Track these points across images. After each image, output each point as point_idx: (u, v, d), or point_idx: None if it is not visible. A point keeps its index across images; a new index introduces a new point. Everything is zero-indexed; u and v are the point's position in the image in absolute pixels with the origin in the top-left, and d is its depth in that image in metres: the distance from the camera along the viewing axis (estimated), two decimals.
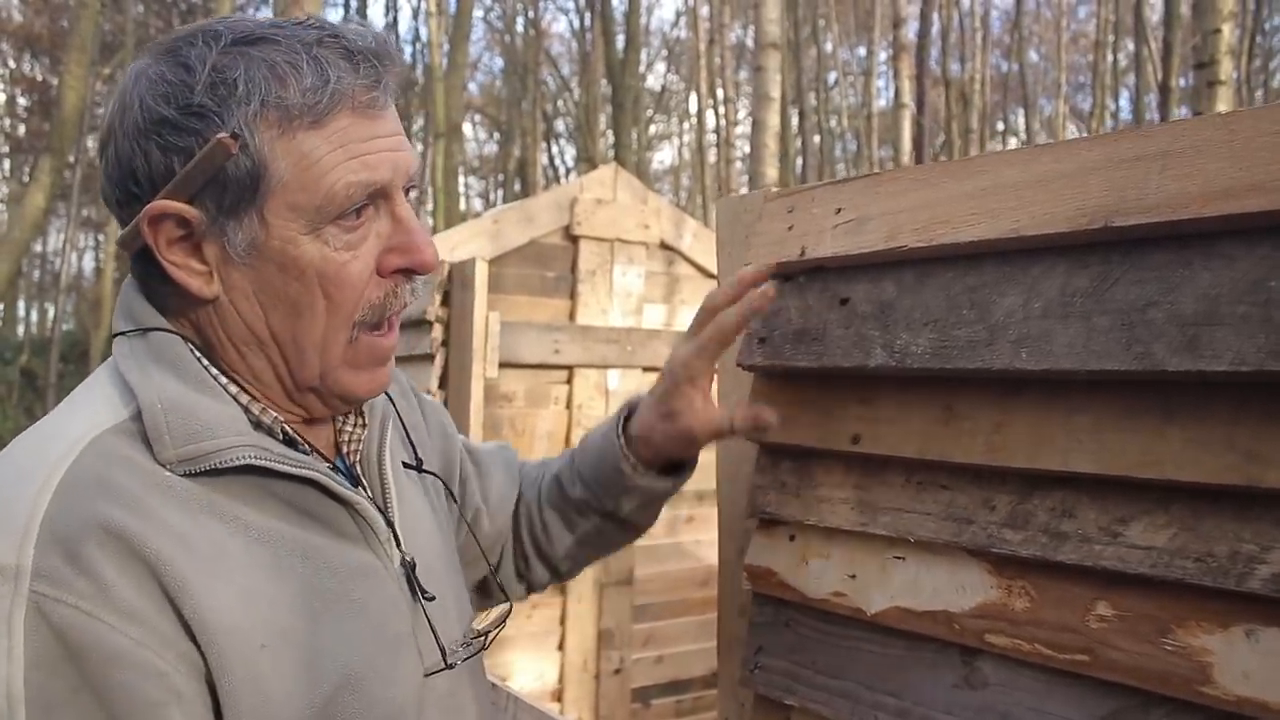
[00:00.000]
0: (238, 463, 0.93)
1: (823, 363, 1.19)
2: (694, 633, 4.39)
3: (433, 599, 1.08)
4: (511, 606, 1.25)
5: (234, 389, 1.00)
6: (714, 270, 4.49)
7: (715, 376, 1.33)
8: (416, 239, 1.01)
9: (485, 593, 1.43)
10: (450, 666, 1.06)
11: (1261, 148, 0.87)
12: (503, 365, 3.57)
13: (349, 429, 1.13)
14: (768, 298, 1.20)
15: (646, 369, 4.23)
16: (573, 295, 4.13)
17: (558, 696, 3.99)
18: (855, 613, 1.15)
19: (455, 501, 1.32)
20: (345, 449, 1.12)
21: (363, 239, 0.99)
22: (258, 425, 1.00)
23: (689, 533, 4.38)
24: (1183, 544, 0.89)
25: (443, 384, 3.39)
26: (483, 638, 1.16)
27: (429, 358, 3.42)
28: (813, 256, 1.23)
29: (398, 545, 1.07)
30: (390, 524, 1.07)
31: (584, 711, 4.03)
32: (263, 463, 0.94)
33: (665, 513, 4.51)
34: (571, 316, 4.12)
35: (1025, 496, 1.01)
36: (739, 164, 20.93)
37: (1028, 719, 0.98)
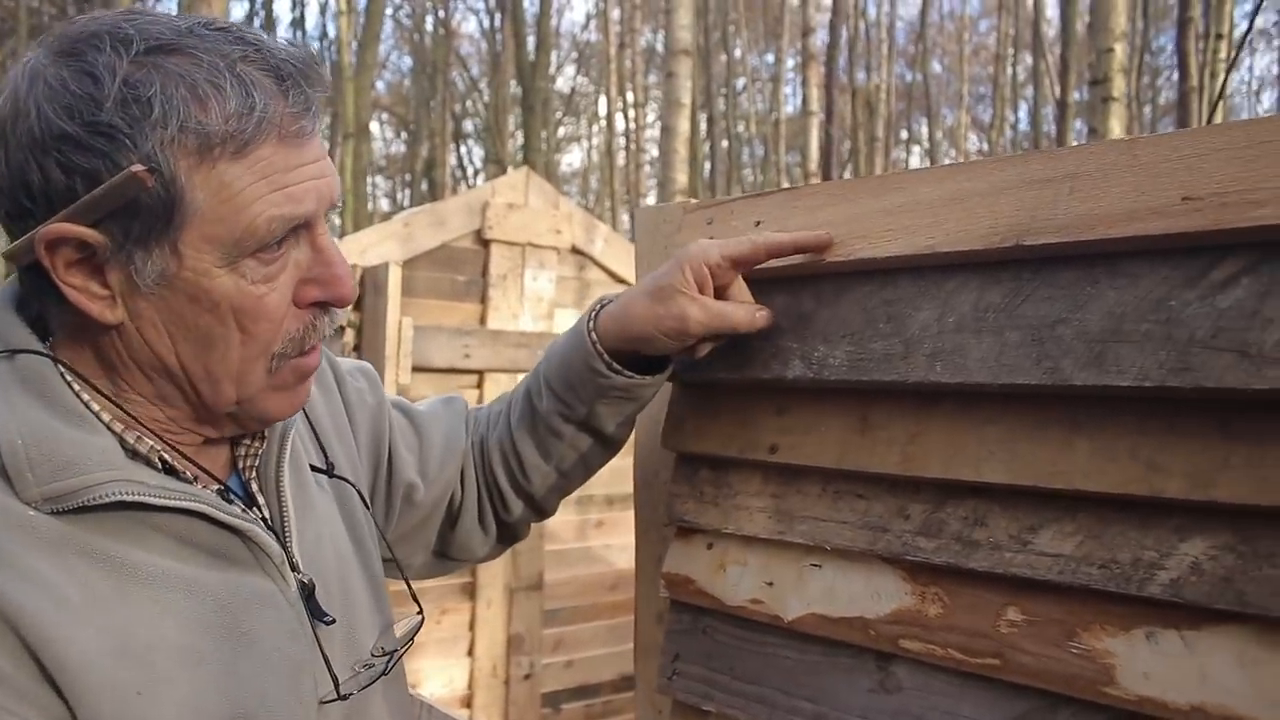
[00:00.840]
0: (109, 499, 0.87)
1: (742, 374, 1.21)
2: (604, 637, 4.41)
3: (332, 622, 1.03)
4: (421, 623, 1.17)
5: (108, 416, 0.93)
6: (626, 276, 4.51)
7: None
8: (337, 271, 0.96)
9: (453, 545, 1.37)
10: (343, 698, 1.01)
11: (1162, 173, 0.91)
12: (413, 369, 3.54)
13: (245, 443, 1.06)
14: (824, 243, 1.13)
15: None
16: (484, 299, 4.12)
17: (467, 702, 3.97)
18: (772, 619, 1.17)
19: (369, 508, 1.23)
20: (241, 464, 1.05)
21: (281, 269, 0.93)
22: (134, 455, 0.93)
23: (599, 537, 4.39)
24: (1088, 551, 0.93)
25: None
26: (388, 656, 1.10)
27: None
28: None
29: (295, 568, 1.02)
30: (285, 546, 1.02)
31: (494, 717, 4.01)
32: (136, 498, 0.88)
33: (574, 516, 4.50)
34: (482, 321, 4.10)
35: (939, 505, 1.04)
36: (648, 168, 21.01)
37: None
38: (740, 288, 1.18)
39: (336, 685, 1.01)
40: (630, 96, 24.42)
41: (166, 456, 0.95)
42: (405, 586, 1.23)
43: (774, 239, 1.15)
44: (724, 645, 1.23)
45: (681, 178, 8.92)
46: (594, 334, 1.22)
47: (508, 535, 1.43)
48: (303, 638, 0.99)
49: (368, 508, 1.21)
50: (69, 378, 0.92)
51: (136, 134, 0.84)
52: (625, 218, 21.63)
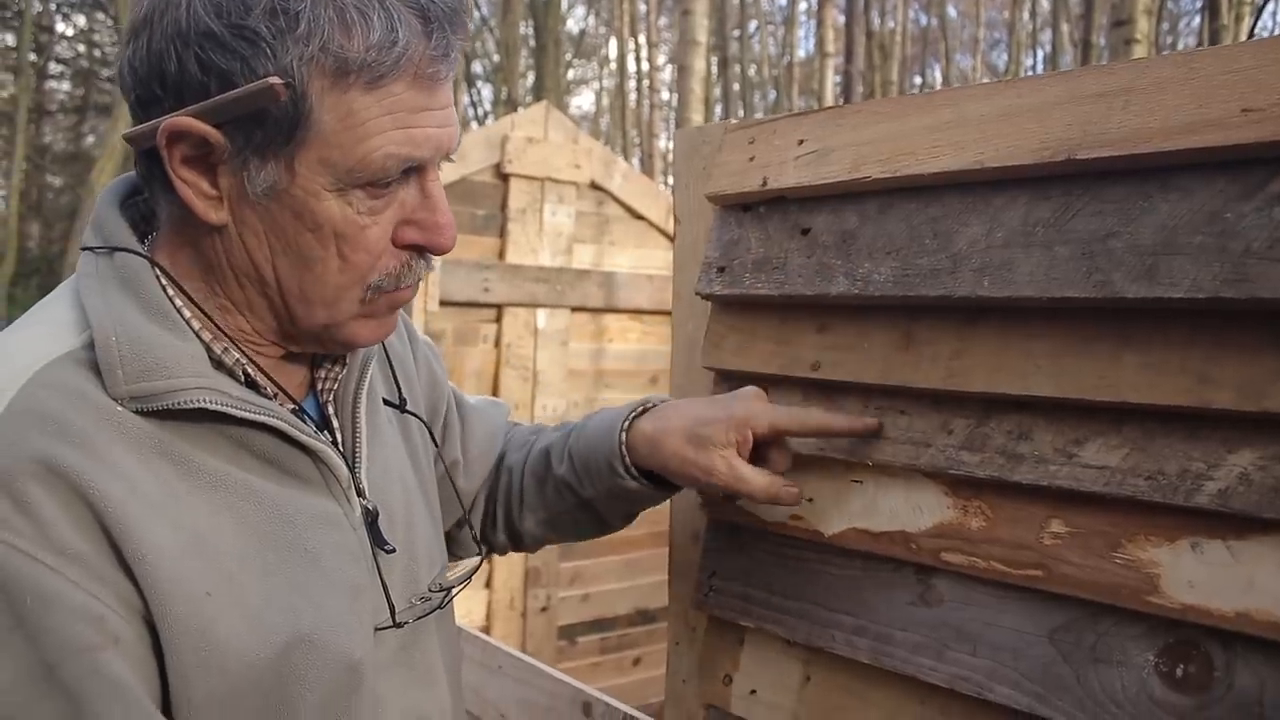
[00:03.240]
0: (192, 405, 0.89)
1: (784, 290, 1.21)
2: (619, 572, 4.45)
3: (392, 551, 1.04)
4: (482, 562, 1.20)
5: (197, 324, 0.94)
6: (643, 212, 4.51)
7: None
8: (440, 219, 0.96)
9: (454, 542, 1.38)
10: (398, 625, 1.03)
11: (1221, 85, 0.90)
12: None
13: (326, 366, 1.07)
14: (872, 430, 1.14)
15: (575, 309, 4.23)
16: (502, 234, 4.11)
17: (485, 634, 4.02)
18: (812, 535, 1.18)
19: (436, 445, 1.25)
20: (320, 387, 1.07)
21: (386, 206, 0.93)
22: (219, 365, 0.95)
23: None
24: (1135, 463, 0.94)
25: None
26: (445, 593, 1.11)
27: None
28: (774, 187, 1.25)
29: (360, 494, 1.03)
30: (354, 471, 1.03)
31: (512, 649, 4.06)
32: (219, 408, 0.90)
33: None
34: (501, 255, 4.10)
35: (983, 420, 1.05)
36: (662, 109, 20.86)
37: (982, 633, 1.03)
38: (780, 452, 1.19)
39: (393, 613, 1.02)
40: (642, 38, 24.18)
41: (249, 370, 0.97)
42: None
43: (826, 420, 1.15)
44: (762, 562, 1.25)
45: (697, 117, 8.86)
46: (625, 441, 1.23)
47: (487, 545, 1.43)
48: (363, 561, 1.01)
49: (436, 445, 1.24)
50: (164, 281, 0.94)
51: (278, 45, 0.85)
52: (636, 162, 21.51)
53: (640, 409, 1.25)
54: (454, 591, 1.13)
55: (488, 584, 4.06)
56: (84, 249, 0.96)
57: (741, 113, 24.63)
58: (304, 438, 0.96)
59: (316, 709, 0.93)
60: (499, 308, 4.02)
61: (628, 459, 1.22)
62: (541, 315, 4.13)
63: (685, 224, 1.46)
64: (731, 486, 1.15)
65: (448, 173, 3.89)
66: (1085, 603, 0.97)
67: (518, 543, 1.41)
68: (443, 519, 1.27)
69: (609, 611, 4.44)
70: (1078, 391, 0.97)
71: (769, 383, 1.25)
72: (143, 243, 0.97)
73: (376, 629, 1.01)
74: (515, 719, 1.78)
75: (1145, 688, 0.93)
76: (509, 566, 4.08)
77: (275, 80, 0.84)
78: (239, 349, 0.97)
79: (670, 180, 4.69)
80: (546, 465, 1.33)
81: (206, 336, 0.95)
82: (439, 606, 1.10)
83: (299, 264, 0.93)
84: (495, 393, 4.00)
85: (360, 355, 1.08)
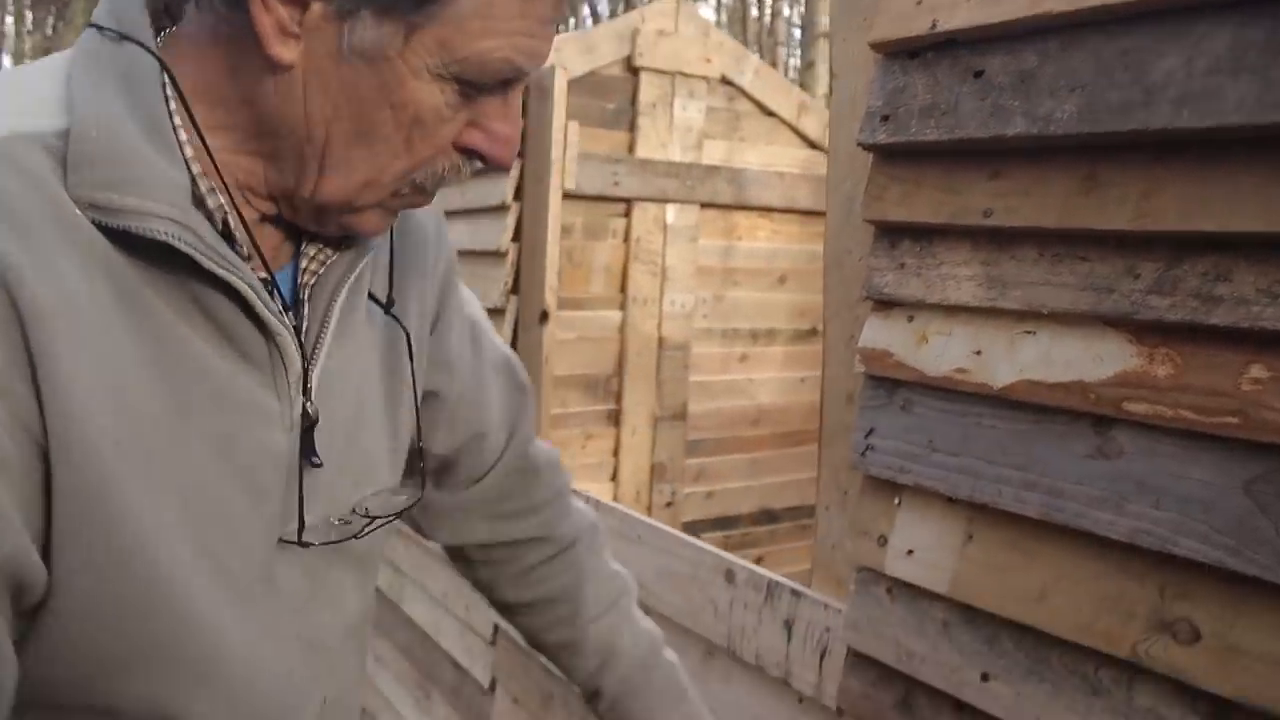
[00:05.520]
0: (156, 238, 0.76)
1: (954, 135, 1.15)
2: (744, 470, 4.44)
3: (319, 465, 0.92)
4: (414, 503, 1.06)
5: (190, 150, 0.82)
6: (774, 108, 4.41)
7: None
8: (509, 132, 0.88)
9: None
10: (303, 545, 0.91)
11: None
12: (564, 196, 3.53)
13: (319, 244, 0.94)
14: None
15: (705, 205, 4.17)
16: (632, 128, 4.05)
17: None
18: (979, 388, 1.14)
19: (411, 358, 1.06)
20: (303, 265, 0.94)
21: (469, 105, 0.85)
22: (199, 204, 0.82)
23: (742, 371, 4.38)
24: None
25: (518, 195, 3.36)
26: (368, 521, 0.98)
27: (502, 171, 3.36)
28: (944, 29, 1.19)
29: (307, 395, 0.91)
30: (308, 367, 0.91)
31: None
32: (187, 249, 0.77)
33: (718, 349, 4.49)
34: (630, 149, 4.05)
35: (1174, 262, 0.99)
36: (783, 17, 20.43)
37: (1167, 485, 0.98)
38: None
39: (301, 528, 0.91)
40: None
41: (231, 221, 0.84)
42: None
43: None
44: (923, 418, 1.21)
45: (825, 20, 8.61)
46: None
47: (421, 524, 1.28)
48: (284, 467, 0.89)
49: (411, 359, 1.06)
50: (169, 93, 0.81)
51: None
52: None
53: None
54: (377, 522, 0.99)
55: (613, 477, 4.09)
56: (92, 24, 0.84)
57: None
58: (266, 314, 0.83)
59: (198, 605, 0.82)
60: (628, 202, 3.98)
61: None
62: (671, 211, 4.08)
63: (843, 78, 1.41)
64: None
65: (576, 66, 3.86)
66: None
67: (455, 555, 1.30)
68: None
69: (732, 509, 4.44)
70: None
71: (935, 233, 1.20)
72: (158, 35, 0.84)
73: (281, 540, 0.90)
74: (654, 587, 1.78)
75: None
76: (634, 461, 4.10)
77: None
78: (228, 193, 0.85)
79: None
80: (579, 645, 1.27)
81: (196, 168, 0.82)
82: (356, 535, 0.97)
83: (359, 136, 0.83)
84: (624, 288, 3.99)
85: (358, 246, 0.96)
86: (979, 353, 1.14)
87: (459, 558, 1.28)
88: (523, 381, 1.25)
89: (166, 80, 0.81)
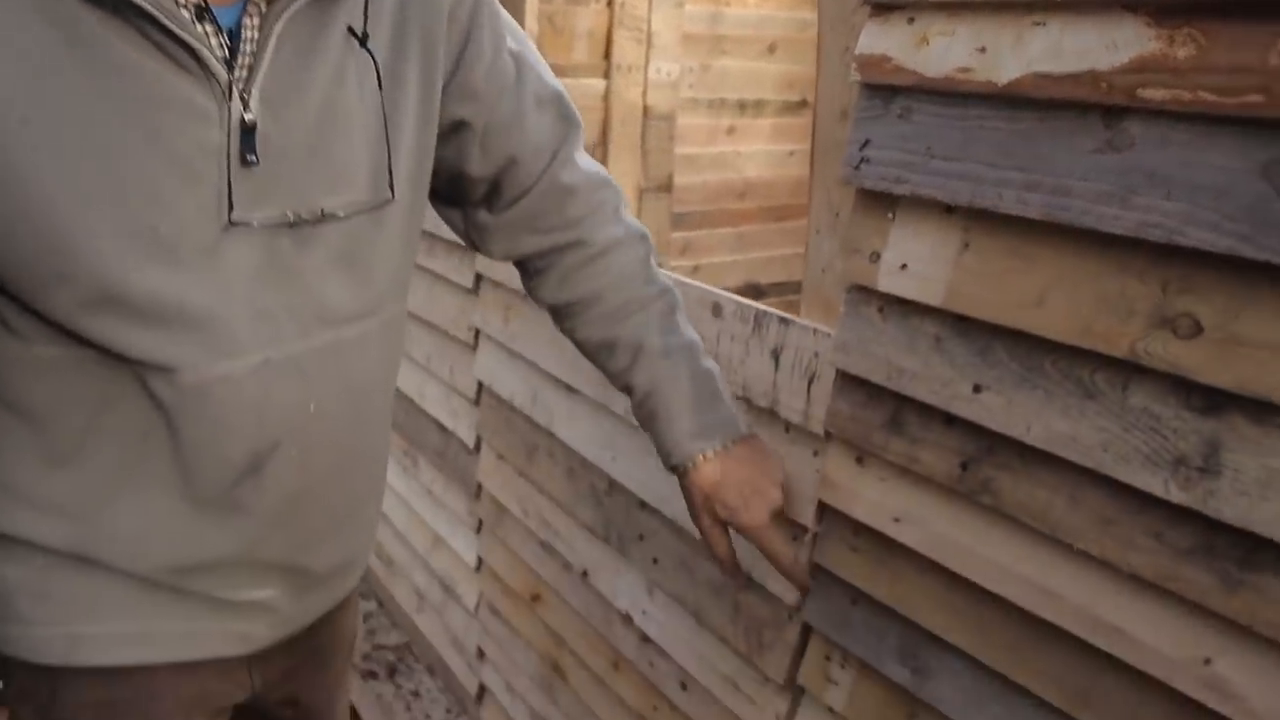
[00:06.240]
0: None
1: None
2: (730, 244, 4.39)
3: (253, 163, 0.96)
4: (385, 203, 1.09)
5: None
6: None
7: None
8: None
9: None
10: (233, 224, 0.96)
11: None
12: None
13: None
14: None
15: None
16: None
17: None
18: (982, 86, 1.07)
19: (380, 86, 1.07)
20: None
21: None
22: None
23: (729, 143, 4.28)
24: None
25: None
26: (322, 220, 1.02)
27: None
28: None
29: (244, 103, 0.94)
30: (246, 78, 0.95)
31: None
32: None
33: (705, 120, 4.36)
34: None
35: None
36: None
37: (1179, 174, 0.92)
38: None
39: (230, 210, 0.95)
40: None
41: None
42: None
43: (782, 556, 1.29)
44: (921, 125, 1.14)
45: None
46: (686, 469, 1.28)
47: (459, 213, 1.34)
48: (217, 158, 0.94)
49: (379, 87, 1.07)
50: None
51: None
52: None
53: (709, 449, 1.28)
54: (329, 216, 1.03)
55: None
56: None
57: None
58: (172, 25, 0.87)
59: (102, 244, 0.91)
60: None
61: (678, 471, 1.29)
62: None
63: None
64: (765, 544, 1.27)
65: None
66: None
67: (518, 267, 1.37)
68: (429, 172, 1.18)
69: (719, 283, 4.41)
70: None
71: None
72: None
73: (231, 222, 0.96)
74: None
75: None
76: None
77: None
78: None
79: None
80: (613, 343, 1.31)
81: None
82: (296, 223, 1.01)
83: None
84: (607, 55, 3.84)
85: None
86: (983, 50, 1.07)
87: (521, 269, 1.36)
88: (569, 113, 1.29)
89: None
